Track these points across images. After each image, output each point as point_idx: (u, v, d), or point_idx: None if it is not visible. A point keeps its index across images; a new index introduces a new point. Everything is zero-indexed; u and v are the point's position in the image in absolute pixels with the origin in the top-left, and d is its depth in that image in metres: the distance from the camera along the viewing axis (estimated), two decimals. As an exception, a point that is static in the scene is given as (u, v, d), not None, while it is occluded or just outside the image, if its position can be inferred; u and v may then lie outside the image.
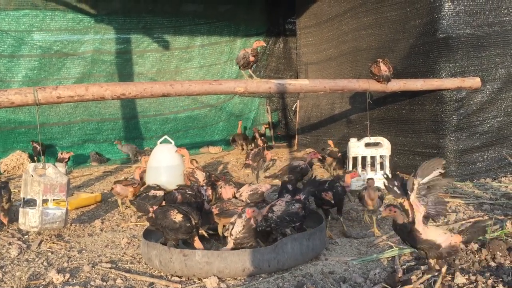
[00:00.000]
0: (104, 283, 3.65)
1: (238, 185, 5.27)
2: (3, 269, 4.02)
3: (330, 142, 7.77)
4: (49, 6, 9.05)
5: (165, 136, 6.90)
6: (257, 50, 5.65)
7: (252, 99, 11.33)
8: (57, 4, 9.10)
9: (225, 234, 3.95)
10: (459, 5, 6.18)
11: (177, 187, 5.06)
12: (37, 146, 8.40)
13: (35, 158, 8.57)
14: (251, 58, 5.55)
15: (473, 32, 6.27)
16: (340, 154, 7.10)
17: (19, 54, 8.98)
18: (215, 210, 4.38)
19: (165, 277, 3.74)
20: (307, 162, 6.02)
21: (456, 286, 3.16)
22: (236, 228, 3.77)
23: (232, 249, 3.70)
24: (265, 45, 6.12)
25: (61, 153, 8.76)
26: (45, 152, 8.82)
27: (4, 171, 8.49)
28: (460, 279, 3.18)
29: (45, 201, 4.76)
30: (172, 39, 10.32)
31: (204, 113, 10.88)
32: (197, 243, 3.88)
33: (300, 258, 3.79)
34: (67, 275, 3.76)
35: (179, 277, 3.69)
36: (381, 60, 5.94)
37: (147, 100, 9.99)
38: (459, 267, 3.49)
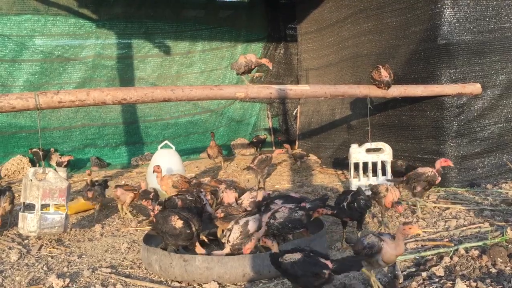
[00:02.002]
0: (104, 288, 3.64)
1: (239, 190, 5.27)
2: (3, 274, 4.01)
3: (286, 146, 8.83)
4: (51, 11, 9.09)
5: (166, 141, 6.92)
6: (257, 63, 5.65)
7: (253, 104, 11.33)
8: (59, 9, 9.14)
9: (223, 240, 3.95)
10: (459, 11, 6.20)
11: (177, 193, 5.06)
12: (38, 151, 8.39)
13: (37, 164, 8.55)
14: (253, 67, 5.58)
15: (474, 39, 6.28)
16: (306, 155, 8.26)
17: (21, 59, 9.01)
18: (220, 215, 4.36)
19: (165, 282, 3.74)
20: (436, 169, 5.19)
21: (457, 293, 3.14)
22: (233, 235, 3.76)
23: (228, 254, 3.69)
24: (271, 68, 6.10)
25: (60, 157, 8.77)
26: (46, 157, 8.82)
27: (5, 175, 8.49)
28: (460, 285, 3.17)
29: (47, 206, 4.76)
30: (173, 44, 10.34)
31: (205, 118, 10.89)
32: (198, 248, 3.87)
33: (300, 264, 3.78)
34: (67, 280, 3.76)
35: (179, 282, 3.69)
36: (381, 66, 5.95)
37: (148, 105, 10.00)
38: (460, 273, 3.48)
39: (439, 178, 5.17)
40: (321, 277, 2.89)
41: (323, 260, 2.96)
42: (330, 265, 2.94)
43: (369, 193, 4.83)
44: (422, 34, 6.50)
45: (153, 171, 5.64)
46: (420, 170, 5.23)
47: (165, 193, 5.54)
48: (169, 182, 5.50)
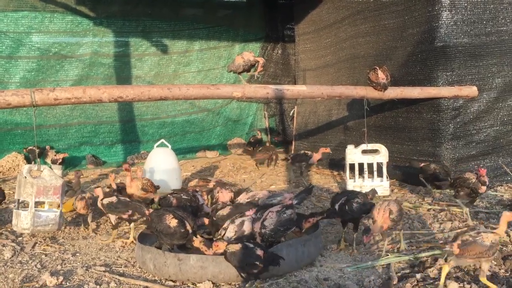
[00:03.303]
0: (98, 287, 3.63)
1: (233, 187, 5.27)
2: (-4, 271, 4.00)
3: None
4: (48, 8, 9.04)
5: (162, 140, 6.90)
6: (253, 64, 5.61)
7: (250, 104, 11.33)
8: (56, 6, 9.10)
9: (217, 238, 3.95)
10: (457, 14, 6.21)
11: (172, 191, 5.05)
12: (34, 148, 8.35)
13: (32, 161, 8.50)
14: (251, 65, 5.57)
15: (471, 41, 6.29)
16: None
17: (17, 56, 8.95)
18: (224, 212, 4.35)
19: (159, 281, 3.73)
20: (477, 177, 4.82)
21: (451, 295, 3.15)
22: (228, 234, 3.76)
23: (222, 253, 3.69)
24: (257, 73, 5.79)
25: (55, 155, 8.74)
26: (42, 154, 8.78)
27: (0, 172, 8.45)
28: (453, 285, 3.17)
29: (42, 203, 4.74)
30: (171, 43, 10.32)
31: (202, 117, 10.88)
32: (197, 242, 3.84)
33: (295, 264, 3.78)
34: (61, 278, 3.74)
35: (173, 281, 3.68)
36: (379, 68, 5.95)
37: (144, 103, 9.98)
38: (454, 275, 3.49)
39: (483, 188, 4.74)
40: (254, 266, 3.29)
41: (258, 252, 3.33)
42: (262, 256, 3.33)
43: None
44: (420, 36, 6.50)
45: (124, 169, 5.40)
46: (467, 174, 4.90)
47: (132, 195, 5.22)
48: (139, 184, 5.25)
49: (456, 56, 6.26)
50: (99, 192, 4.77)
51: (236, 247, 3.37)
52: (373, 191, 4.52)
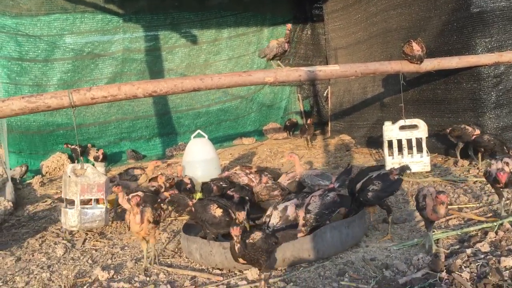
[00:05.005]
0: (148, 278, 3.72)
1: (275, 174, 5.28)
2: (51, 269, 4.15)
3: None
4: (78, 9, 9.21)
5: (198, 131, 6.95)
6: (290, 36, 5.61)
7: (283, 88, 11.26)
8: (86, 7, 9.25)
9: (263, 227, 3.96)
10: (492, -23, 5.95)
11: (212, 179, 5.10)
12: (76, 147, 8.56)
13: (76, 160, 8.72)
14: (286, 46, 5.57)
15: (509, 4, 6.01)
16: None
17: (53, 58, 9.18)
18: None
19: (206, 270, 3.78)
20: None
21: (504, 269, 3.04)
22: (273, 221, 3.76)
23: None
24: (289, 29, 5.76)
25: (96, 152, 8.95)
26: (84, 152, 9.00)
27: (46, 172, 8.73)
28: (508, 261, 3.07)
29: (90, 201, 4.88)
30: (200, 33, 10.35)
31: (235, 105, 10.89)
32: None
33: (340, 246, 3.76)
34: (112, 272, 3.85)
35: (220, 269, 3.72)
36: (413, 40, 5.78)
37: (179, 95, 10.06)
38: (506, 248, 3.38)
39: (502, 181, 3.94)
40: (274, 245, 3.33)
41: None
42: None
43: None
44: (454, 3, 6.27)
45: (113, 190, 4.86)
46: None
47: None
48: (149, 216, 3.85)
49: (494, 21, 6.01)
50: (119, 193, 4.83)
51: (256, 236, 3.22)
52: (402, 168, 4.29)
